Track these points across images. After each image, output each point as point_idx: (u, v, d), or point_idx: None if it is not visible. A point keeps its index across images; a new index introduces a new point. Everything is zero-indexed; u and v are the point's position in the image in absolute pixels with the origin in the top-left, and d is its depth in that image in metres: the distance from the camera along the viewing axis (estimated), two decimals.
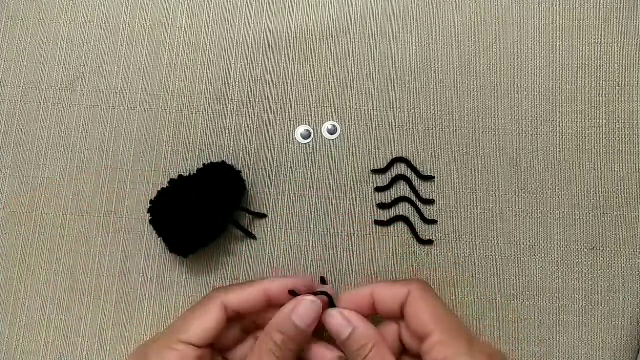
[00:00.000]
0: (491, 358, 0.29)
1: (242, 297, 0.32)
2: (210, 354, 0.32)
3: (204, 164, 0.39)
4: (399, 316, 0.32)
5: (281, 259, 0.40)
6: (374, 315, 0.34)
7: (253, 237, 0.40)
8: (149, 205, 0.38)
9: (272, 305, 0.33)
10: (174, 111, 0.42)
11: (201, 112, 0.42)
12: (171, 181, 0.38)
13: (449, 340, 0.29)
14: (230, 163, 0.40)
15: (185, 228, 0.37)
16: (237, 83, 0.42)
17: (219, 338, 0.32)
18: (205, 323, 0.31)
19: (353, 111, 0.42)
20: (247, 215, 0.40)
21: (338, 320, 0.32)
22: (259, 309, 0.33)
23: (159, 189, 0.38)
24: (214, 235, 0.38)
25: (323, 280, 0.37)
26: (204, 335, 0.31)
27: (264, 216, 0.40)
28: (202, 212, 0.37)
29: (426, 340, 0.30)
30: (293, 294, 0.32)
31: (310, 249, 0.40)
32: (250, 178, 0.41)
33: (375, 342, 0.30)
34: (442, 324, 0.30)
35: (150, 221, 0.38)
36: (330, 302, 0.33)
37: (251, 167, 0.41)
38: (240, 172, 0.40)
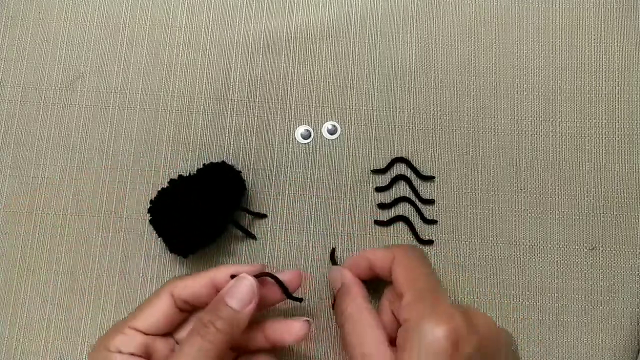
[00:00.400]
0: (451, 319, 0.28)
1: (189, 287, 0.32)
2: (162, 340, 0.32)
3: (204, 164, 0.39)
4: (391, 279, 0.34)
5: (281, 259, 0.40)
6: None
7: (253, 237, 0.40)
8: (149, 205, 0.38)
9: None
10: (174, 111, 0.42)
11: (201, 112, 0.42)
12: (171, 181, 0.38)
13: (414, 301, 0.30)
14: (230, 163, 0.40)
15: (185, 228, 0.37)
16: (237, 83, 0.42)
17: (171, 325, 0.33)
18: (152, 311, 0.32)
19: (353, 111, 0.42)
20: (247, 215, 0.40)
21: (333, 273, 0.36)
22: (210, 299, 0.32)
23: (159, 189, 0.38)
24: (214, 235, 0.38)
25: (333, 253, 0.39)
26: (151, 322, 0.32)
27: (264, 216, 0.40)
28: (202, 212, 0.37)
29: (400, 302, 0.31)
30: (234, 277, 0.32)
31: (310, 249, 0.40)
32: (250, 178, 0.41)
33: (353, 293, 0.33)
34: (413, 286, 0.31)
35: (150, 221, 0.38)
36: (285, 291, 0.34)
37: (251, 167, 0.41)
38: (240, 172, 0.40)
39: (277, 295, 0.34)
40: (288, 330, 0.33)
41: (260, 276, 0.32)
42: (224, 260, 0.40)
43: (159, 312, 0.32)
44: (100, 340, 0.31)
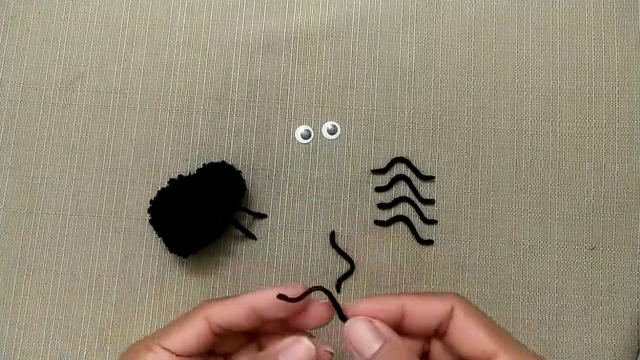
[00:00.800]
0: None
1: (226, 315, 0.28)
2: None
3: (204, 164, 0.39)
4: (432, 335, 0.27)
5: (281, 259, 0.40)
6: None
7: (253, 237, 0.40)
8: (149, 205, 0.38)
9: (264, 320, 0.28)
10: (174, 111, 0.42)
11: (201, 112, 0.42)
12: (171, 181, 0.38)
13: (518, 358, 0.25)
14: (230, 163, 0.40)
15: (185, 228, 0.37)
16: (237, 83, 0.42)
17: (208, 347, 0.29)
18: (184, 334, 0.28)
19: (353, 111, 0.42)
20: (247, 215, 0.40)
21: (363, 331, 0.26)
22: (251, 325, 0.28)
23: (159, 189, 0.38)
24: (214, 235, 0.38)
25: (333, 237, 0.38)
26: (183, 345, 0.28)
27: (263, 216, 0.40)
28: (202, 212, 0.37)
29: (485, 358, 0.25)
30: (283, 297, 0.27)
31: (310, 249, 0.40)
32: (250, 178, 0.41)
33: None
34: (504, 343, 0.25)
35: (151, 221, 0.38)
36: (338, 312, 0.27)
37: (251, 167, 0.41)
38: (240, 172, 0.40)
39: (322, 316, 0.28)
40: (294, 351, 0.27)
41: (308, 292, 0.27)
42: (224, 260, 0.40)
43: (191, 336, 0.28)
44: (125, 356, 0.28)
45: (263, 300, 0.27)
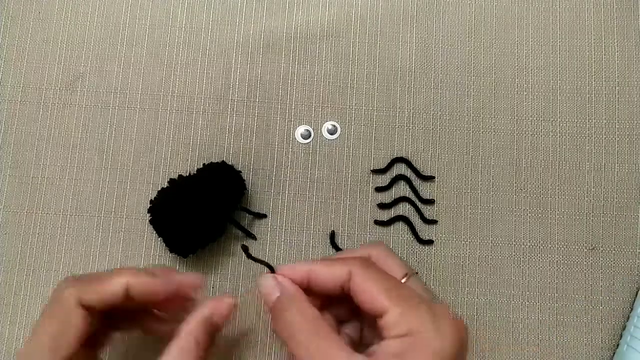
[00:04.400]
0: (455, 323, 0.28)
1: (101, 296, 0.30)
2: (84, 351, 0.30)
3: (204, 164, 0.39)
4: (338, 295, 0.31)
5: (281, 259, 0.40)
6: None
7: (253, 237, 0.40)
8: (149, 205, 0.38)
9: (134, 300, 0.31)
10: (174, 111, 0.42)
11: (201, 112, 0.42)
12: (171, 181, 0.38)
13: (408, 311, 0.28)
14: (230, 163, 0.40)
15: (185, 228, 0.37)
16: (237, 83, 0.42)
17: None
18: (59, 335, 0.29)
19: (353, 111, 0.42)
20: (247, 215, 0.40)
21: (269, 283, 0.31)
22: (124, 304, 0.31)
23: (159, 189, 0.38)
24: (214, 235, 0.38)
25: (333, 237, 0.39)
26: (60, 348, 0.29)
27: (263, 216, 0.40)
28: (202, 212, 0.37)
29: (384, 317, 0.28)
30: (245, 249, 0.32)
31: (310, 249, 0.40)
32: (250, 178, 0.41)
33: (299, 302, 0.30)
34: (396, 297, 0.28)
35: (150, 221, 0.38)
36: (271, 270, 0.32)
37: (251, 167, 0.41)
38: (240, 172, 0.40)
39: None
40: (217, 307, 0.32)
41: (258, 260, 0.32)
42: (224, 260, 0.40)
43: (65, 335, 0.29)
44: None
45: (138, 283, 0.30)
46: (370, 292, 0.29)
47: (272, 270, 0.32)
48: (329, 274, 0.30)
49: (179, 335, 0.30)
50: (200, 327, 0.31)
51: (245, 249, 0.32)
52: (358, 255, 0.31)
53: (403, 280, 0.31)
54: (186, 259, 0.39)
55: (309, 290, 0.31)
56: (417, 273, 0.32)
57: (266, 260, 0.32)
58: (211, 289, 0.40)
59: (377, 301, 0.28)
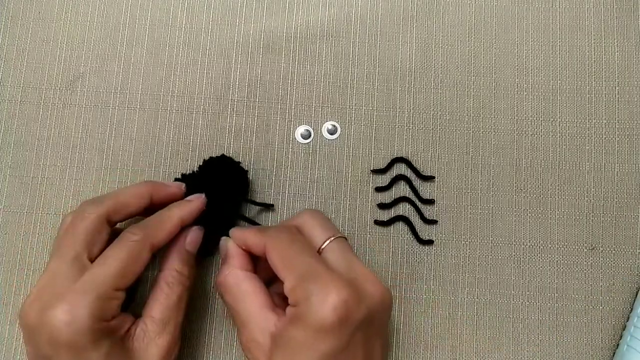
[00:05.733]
0: (339, 291, 0.29)
1: (122, 203, 0.35)
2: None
3: (204, 160, 0.39)
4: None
5: None
6: None
7: None
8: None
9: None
10: (174, 111, 0.42)
11: (201, 112, 0.42)
12: (175, 180, 0.38)
13: (297, 284, 0.30)
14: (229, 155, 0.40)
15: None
16: (237, 83, 0.42)
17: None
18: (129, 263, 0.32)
19: (353, 111, 0.42)
20: (252, 207, 0.40)
21: (222, 242, 0.36)
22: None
23: None
24: (226, 231, 0.38)
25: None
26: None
27: (270, 206, 0.40)
28: (211, 208, 0.37)
29: (284, 286, 0.31)
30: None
31: None
32: (250, 178, 0.41)
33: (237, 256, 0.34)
34: (292, 270, 0.31)
35: None
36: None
37: (251, 167, 0.41)
38: (240, 162, 0.39)
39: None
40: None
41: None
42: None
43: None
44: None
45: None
46: (272, 261, 0.32)
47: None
48: (253, 242, 0.34)
49: (162, 270, 0.34)
50: (176, 259, 0.35)
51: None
52: (286, 225, 0.35)
53: (322, 247, 0.33)
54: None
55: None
56: (342, 237, 0.34)
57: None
58: (211, 289, 0.40)
59: (278, 271, 0.31)
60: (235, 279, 0.33)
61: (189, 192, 0.37)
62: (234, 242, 0.35)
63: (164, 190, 0.36)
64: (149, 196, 0.35)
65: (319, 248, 0.33)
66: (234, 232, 0.36)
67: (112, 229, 0.34)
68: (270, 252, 0.32)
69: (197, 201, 0.36)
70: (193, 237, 0.36)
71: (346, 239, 0.34)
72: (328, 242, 0.33)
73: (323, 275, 0.30)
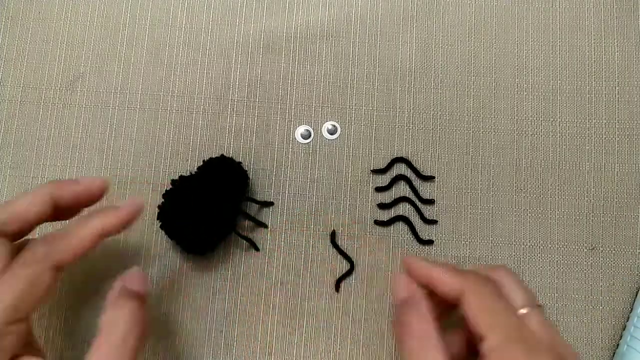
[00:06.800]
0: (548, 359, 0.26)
1: (17, 211, 0.30)
2: None
3: (203, 160, 0.39)
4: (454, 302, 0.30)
5: (281, 259, 0.40)
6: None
7: (264, 225, 0.40)
8: (149, 207, 0.38)
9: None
10: (174, 111, 0.42)
11: (201, 112, 0.42)
12: (173, 182, 0.38)
13: (504, 346, 0.27)
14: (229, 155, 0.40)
15: (199, 227, 0.36)
16: (237, 83, 0.42)
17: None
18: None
19: (353, 111, 0.42)
20: (253, 205, 0.40)
21: (398, 281, 0.32)
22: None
23: (163, 193, 0.38)
24: (228, 229, 0.38)
25: (334, 236, 0.39)
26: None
27: (271, 204, 0.40)
28: (212, 208, 0.37)
29: (483, 342, 0.27)
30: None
31: (310, 249, 0.40)
32: (250, 178, 0.41)
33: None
34: (497, 327, 0.27)
35: (161, 227, 0.38)
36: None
37: (251, 167, 0.41)
38: (240, 162, 0.40)
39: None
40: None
41: None
42: (224, 260, 0.40)
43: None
44: None
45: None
46: (471, 311, 0.28)
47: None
48: (446, 284, 0.30)
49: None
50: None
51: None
52: (484, 276, 0.30)
53: (521, 312, 0.29)
54: (187, 258, 0.39)
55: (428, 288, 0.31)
56: (540, 306, 0.30)
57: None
58: (211, 289, 0.40)
59: (479, 324, 0.28)
60: (426, 327, 0.29)
61: (189, 192, 0.37)
62: (411, 272, 0.31)
63: (69, 188, 0.31)
64: (50, 199, 0.30)
65: (518, 311, 0.29)
66: (412, 261, 0.31)
67: (20, 243, 0.30)
68: (470, 301, 0.28)
69: (127, 208, 0.30)
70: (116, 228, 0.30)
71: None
72: (530, 308, 0.29)
73: (530, 340, 0.27)
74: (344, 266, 0.40)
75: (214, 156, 0.40)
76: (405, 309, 0.30)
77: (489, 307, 0.28)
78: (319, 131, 0.42)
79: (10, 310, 0.26)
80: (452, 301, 0.30)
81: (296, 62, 0.42)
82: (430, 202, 0.40)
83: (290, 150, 0.41)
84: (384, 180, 0.41)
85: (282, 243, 0.40)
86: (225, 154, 0.41)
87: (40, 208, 0.30)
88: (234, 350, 0.39)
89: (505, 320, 0.28)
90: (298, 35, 0.43)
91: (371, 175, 0.41)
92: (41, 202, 0.30)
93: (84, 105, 0.42)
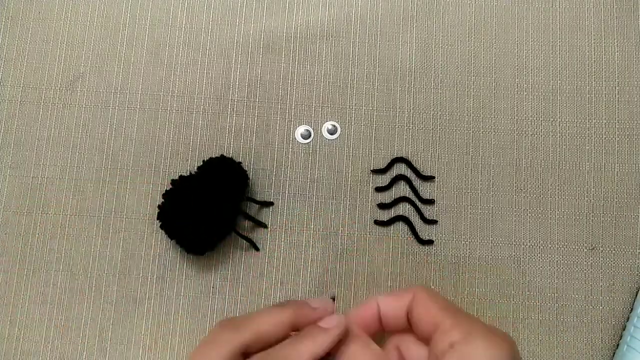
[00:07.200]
0: (509, 341, 0.27)
1: (262, 333, 0.30)
2: None
3: (203, 161, 0.39)
4: (405, 325, 0.31)
5: (281, 259, 0.40)
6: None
7: (264, 225, 0.40)
8: (149, 207, 0.38)
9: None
10: (174, 111, 0.42)
11: (201, 112, 0.42)
12: (173, 182, 0.38)
13: (461, 323, 0.28)
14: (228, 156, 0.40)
15: (199, 227, 0.36)
16: (237, 83, 0.42)
17: None
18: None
19: (353, 111, 0.42)
20: (253, 205, 0.40)
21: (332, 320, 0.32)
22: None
23: (163, 193, 0.38)
24: (227, 229, 0.38)
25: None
26: None
27: (270, 204, 0.40)
28: (212, 208, 0.37)
29: (437, 330, 0.28)
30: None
31: (310, 249, 0.40)
32: (250, 178, 0.41)
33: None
34: (452, 312, 0.29)
35: (161, 226, 0.38)
36: None
37: (251, 167, 0.41)
38: (240, 162, 0.40)
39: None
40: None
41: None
42: (224, 260, 0.40)
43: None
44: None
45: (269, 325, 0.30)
46: (429, 308, 0.29)
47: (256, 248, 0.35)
48: (396, 302, 0.31)
49: None
50: None
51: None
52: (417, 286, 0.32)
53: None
54: (187, 258, 0.39)
55: (379, 325, 0.32)
56: None
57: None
58: (211, 289, 0.40)
59: (433, 316, 0.29)
60: (362, 353, 0.29)
61: (189, 192, 0.37)
62: (360, 319, 0.31)
63: (309, 316, 0.31)
64: (290, 327, 0.31)
65: None
66: (360, 307, 0.32)
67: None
68: (424, 301, 0.30)
69: (334, 330, 0.30)
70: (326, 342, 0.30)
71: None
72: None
73: (483, 323, 0.28)
74: (344, 266, 0.40)
75: (214, 156, 0.40)
76: (340, 344, 0.30)
77: (441, 300, 0.30)
78: (319, 131, 0.42)
79: None
80: (397, 323, 0.31)
81: (296, 62, 0.42)
82: (430, 202, 0.40)
83: (290, 150, 0.41)
84: (384, 180, 0.41)
85: (282, 243, 0.40)
86: (225, 154, 0.41)
87: (281, 334, 0.30)
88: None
89: (456, 310, 0.29)
90: (298, 35, 0.43)
91: (371, 175, 0.41)
92: (283, 330, 0.30)
93: (84, 105, 0.42)
